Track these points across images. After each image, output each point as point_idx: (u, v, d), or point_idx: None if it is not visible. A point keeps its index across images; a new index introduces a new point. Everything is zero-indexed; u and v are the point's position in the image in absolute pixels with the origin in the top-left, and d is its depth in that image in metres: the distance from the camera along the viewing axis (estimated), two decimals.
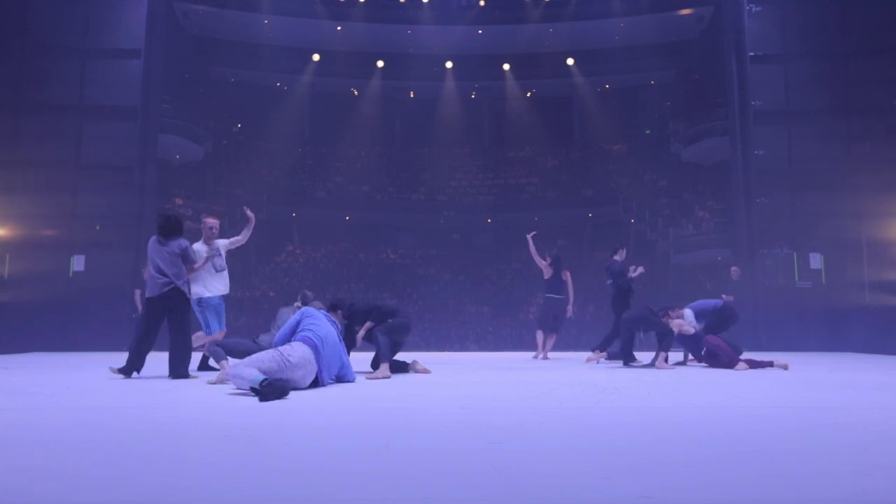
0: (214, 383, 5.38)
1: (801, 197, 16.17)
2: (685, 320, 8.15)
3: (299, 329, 5.24)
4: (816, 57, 16.06)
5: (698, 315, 8.38)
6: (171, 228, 6.24)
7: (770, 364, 7.52)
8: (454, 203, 24.87)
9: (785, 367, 7.38)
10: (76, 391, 4.86)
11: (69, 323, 14.18)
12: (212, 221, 7.38)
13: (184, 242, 6.28)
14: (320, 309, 5.72)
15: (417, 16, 22.81)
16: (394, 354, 6.75)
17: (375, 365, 6.59)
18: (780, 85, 16.56)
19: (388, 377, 6.35)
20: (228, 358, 5.87)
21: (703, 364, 8.04)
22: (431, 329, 19.55)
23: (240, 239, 7.65)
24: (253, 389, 4.31)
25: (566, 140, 26.67)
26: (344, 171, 25.37)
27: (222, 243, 7.47)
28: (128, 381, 5.77)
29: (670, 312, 8.10)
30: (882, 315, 13.32)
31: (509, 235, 22.70)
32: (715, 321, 8.36)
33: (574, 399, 4.32)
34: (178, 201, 20.12)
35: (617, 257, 9.37)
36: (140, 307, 11.24)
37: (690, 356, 8.58)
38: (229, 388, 4.89)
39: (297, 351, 4.90)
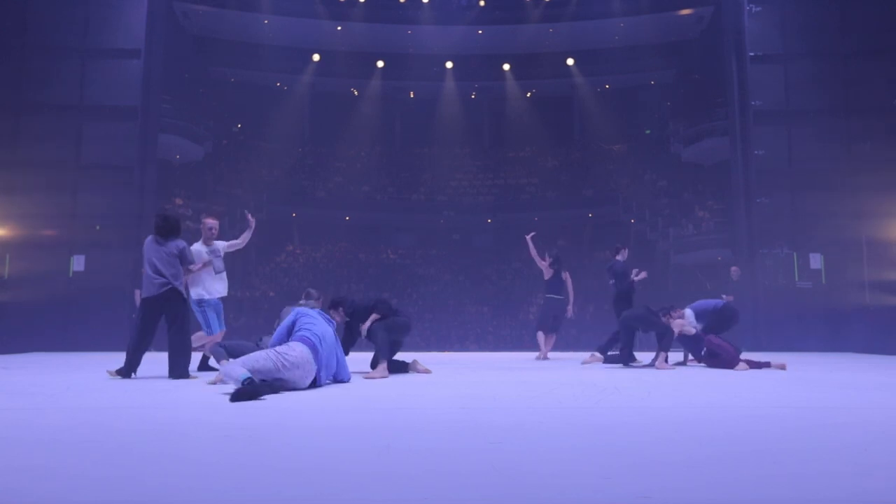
0: (214, 383, 5.37)
1: (801, 197, 16.17)
2: (686, 320, 8.15)
3: (296, 329, 5.21)
4: (816, 57, 16.07)
5: (698, 315, 8.38)
6: (169, 229, 6.23)
7: (767, 364, 7.53)
8: (454, 203, 24.87)
9: (782, 368, 7.38)
10: (76, 391, 4.86)
11: (69, 323, 14.18)
12: (211, 222, 7.37)
13: (181, 243, 6.27)
14: (315, 308, 5.68)
15: (417, 16, 22.81)
16: (393, 354, 6.76)
17: (375, 365, 6.59)
18: (780, 85, 16.56)
19: (386, 377, 6.35)
20: (230, 359, 5.86)
21: (703, 364, 8.04)
22: (431, 329, 19.55)
23: (238, 242, 7.64)
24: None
25: (566, 140, 26.67)
26: (344, 171, 25.37)
27: (221, 245, 7.45)
28: (128, 381, 5.76)
29: (672, 313, 8.09)
30: (882, 315, 13.32)
31: (509, 235, 22.71)
32: (715, 321, 8.36)
33: (574, 399, 4.32)
34: (178, 201, 20.12)
35: (619, 257, 9.36)
36: None
37: (690, 356, 8.57)
38: (229, 388, 4.88)
39: (296, 350, 4.87)
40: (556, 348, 10.70)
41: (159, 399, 4.36)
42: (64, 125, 15.69)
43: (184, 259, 6.24)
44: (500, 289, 22.68)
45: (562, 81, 25.33)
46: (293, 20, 22.38)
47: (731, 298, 10.67)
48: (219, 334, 7.27)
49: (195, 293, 7.12)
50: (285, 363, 4.75)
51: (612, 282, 9.25)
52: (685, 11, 21.57)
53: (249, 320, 19.24)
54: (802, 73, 16.24)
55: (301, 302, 6.80)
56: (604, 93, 25.50)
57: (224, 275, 7.37)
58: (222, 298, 7.37)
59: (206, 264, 6.86)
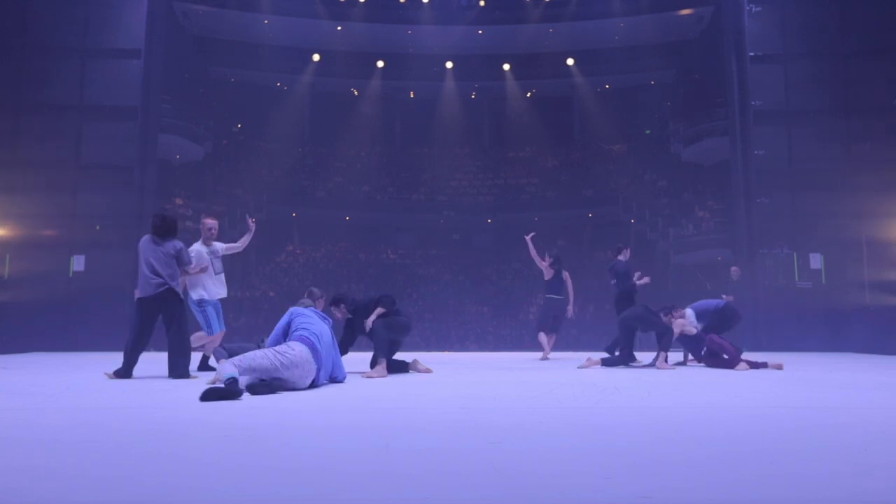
0: (214, 383, 5.36)
1: (801, 197, 16.17)
2: (686, 320, 8.15)
3: (293, 329, 5.16)
4: (816, 57, 16.07)
5: (699, 315, 8.38)
6: (166, 229, 6.22)
7: (765, 365, 7.53)
8: (454, 203, 24.86)
9: (779, 368, 7.39)
10: (76, 391, 4.86)
11: (69, 323, 14.18)
12: (211, 222, 7.36)
13: (178, 244, 6.26)
14: (310, 306, 5.64)
15: (417, 16, 22.81)
16: (392, 354, 6.76)
17: (374, 364, 6.59)
18: (780, 85, 16.57)
19: (385, 376, 6.35)
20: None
21: (703, 364, 8.04)
22: (431, 329, 19.55)
23: (237, 246, 7.61)
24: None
25: (566, 140, 26.67)
26: (344, 171, 25.37)
27: (220, 247, 7.44)
28: (127, 381, 5.76)
29: (673, 312, 8.09)
30: (882, 315, 13.32)
31: (509, 235, 22.71)
32: (716, 321, 8.35)
33: (574, 399, 4.32)
34: (178, 201, 20.13)
35: (621, 257, 9.35)
36: None
37: (690, 356, 8.57)
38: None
39: (294, 350, 4.85)
40: (556, 348, 10.69)
41: (159, 399, 4.35)
42: (64, 125, 15.69)
43: (180, 260, 6.23)
44: (500, 289, 22.68)
45: (562, 81, 25.33)
46: (293, 20, 22.38)
47: (731, 298, 10.67)
48: (219, 334, 7.27)
49: (195, 294, 7.11)
50: (284, 362, 4.72)
51: (613, 282, 9.23)
52: (685, 11, 21.57)
53: (249, 320, 19.24)
54: (802, 73, 16.25)
55: (302, 301, 6.79)
56: (604, 93, 25.50)
57: (223, 276, 7.36)
58: (221, 299, 7.36)
59: (202, 269, 6.81)
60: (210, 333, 7.20)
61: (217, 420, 3.34)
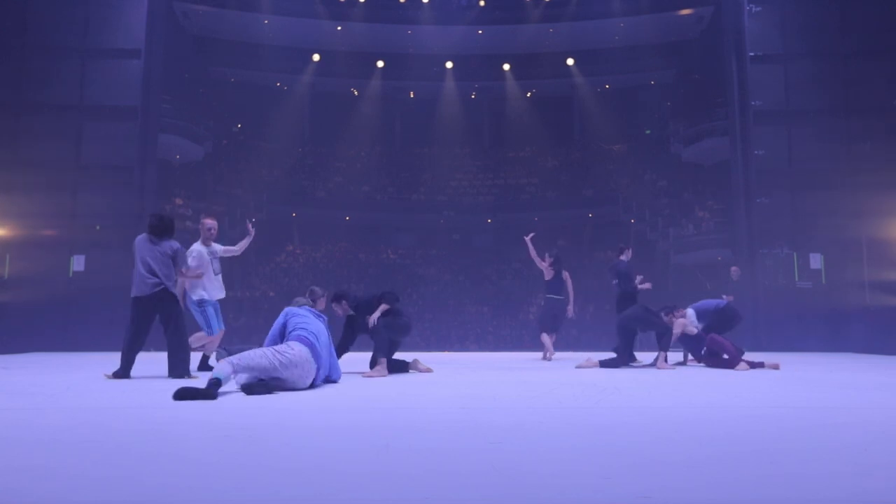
0: None
1: (801, 197, 16.18)
2: (687, 320, 8.15)
3: (289, 329, 5.12)
4: (816, 57, 16.08)
5: (700, 315, 8.38)
6: (164, 228, 6.21)
7: (761, 364, 7.54)
8: (454, 203, 24.86)
9: (776, 368, 7.40)
10: (76, 391, 4.86)
11: (69, 323, 14.19)
12: (210, 223, 7.34)
13: (175, 244, 6.25)
14: (304, 305, 5.61)
15: (417, 16, 22.81)
16: (392, 354, 6.75)
17: (374, 364, 6.59)
18: (780, 85, 16.57)
19: (385, 376, 6.35)
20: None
21: (704, 364, 8.04)
22: (431, 329, 19.55)
23: (235, 250, 7.56)
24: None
25: (566, 140, 26.67)
26: (344, 171, 25.37)
27: (218, 248, 7.41)
28: (128, 381, 5.76)
29: (674, 312, 8.09)
30: (882, 315, 13.33)
31: (509, 235, 22.71)
32: (717, 321, 8.35)
33: (574, 399, 4.32)
34: (178, 201, 20.13)
35: (623, 257, 9.33)
36: None
37: (690, 356, 8.57)
38: (228, 387, 4.88)
39: (294, 350, 4.83)
40: (556, 348, 10.67)
41: (159, 399, 4.35)
42: (64, 125, 15.70)
43: (177, 260, 6.22)
44: (500, 289, 22.68)
45: (562, 81, 25.33)
46: (293, 20, 22.38)
47: (731, 298, 10.67)
48: (218, 334, 7.26)
49: (196, 294, 7.08)
50: (283, 362, 4.70)
51: (615, 282, 9.21)
52: (685, 11, 21.58)
53: (249, 320, 19.24)
54: (802, 73, 16.26)
55: (296, 300, 6.78)
56: (604, 93, 25.51)
57: (220, 277, 7.34)
58: (220, 300, 7.35)
59: (198, 275, 6.77)
60: (210, 334, 7.19)
61: (217, 420, 3.34)
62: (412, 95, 26.63)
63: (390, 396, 4.57)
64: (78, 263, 15.09)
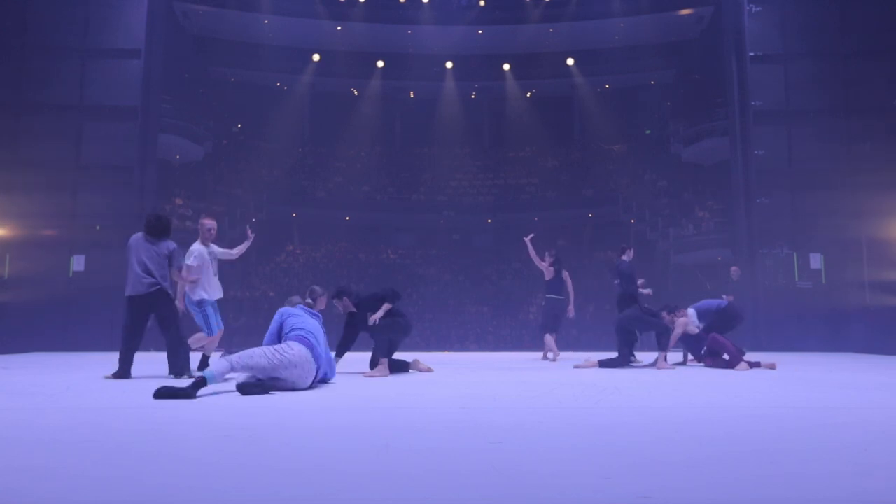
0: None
1: (801, 197, 16.18)
2: (688, 319, 8.15)
3: (287, 329, 5.09)
4: (816, 57, 16.08)
5: (701, 315, 8.38)
6: (161, 228, 6.20)
7: (758, 364, 7.55)
8: (454, 203, 24.86)
9: (772, 367, 7.42)
10: (76, 391, 4.86)
11: (69, 323, 14.19)
12: (210, 223, 7.29)
13: (172, 244, 6.24)
14: (298, 304, 5.59)
15: (417, 16, 22.81)
16: (391, 354, 6.75)
17: (374, 364, 6.59)
18: (780, 85, 16.58)
19: (386, 375, 6.36)
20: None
21: (703, 364, 8.04)
22: (431, 329, 19.54)
23: (232, 253, 7.48)
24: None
25: (566, 140, 26.68)
26: (344, 171, 25.37)
27: (217, 250, 7.39)
28: (127, 381, 5.76)
29: (676, 312, 8.09)
30: (882, 315, 13.33)
31: (509, 235, 22.71)
32: (718, 321, 8.34)
33: (574, 399, 4.32)
34: (178, 201, 20.13)
35: (625, 257, 9.33)
36: None
37: (690, 356, 8.57)
38: (229, 387, 4.88)
39: (293, 349, 4.82)
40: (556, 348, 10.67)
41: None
42: (64, 125, 15.71)
43: (172, 261, 6.21)
44: (500, 289, 22.68)
45: (562, 81, 25.33)
46: (293, 20, 22.38)
47: (731, 298, 10.67)
48: (218, 334, 7.24)
49: (196, 294, 7.03)
50: (283, 361, 4.70)
51: (616, 282, 9.18)
52: (685, 11, 21.58)
53: (249, 320, 19.23)
54: (802, 73, 16.26)
55: (307, 301, 6.77)
56: (604, 93, 25.51)
57: (217, 277, 7.32)
58: (217, 300, 7.32)
59: (193, 280, 6.75)
60: (210, 334, 7.15)
61: (217, 420, 3.34)
62: (412, 95, 26.64)
63: (390, 396, 4.57)
64: (78, 263, 15.09)
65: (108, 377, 5.98)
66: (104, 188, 15.63)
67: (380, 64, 24.78)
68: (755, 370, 7.29)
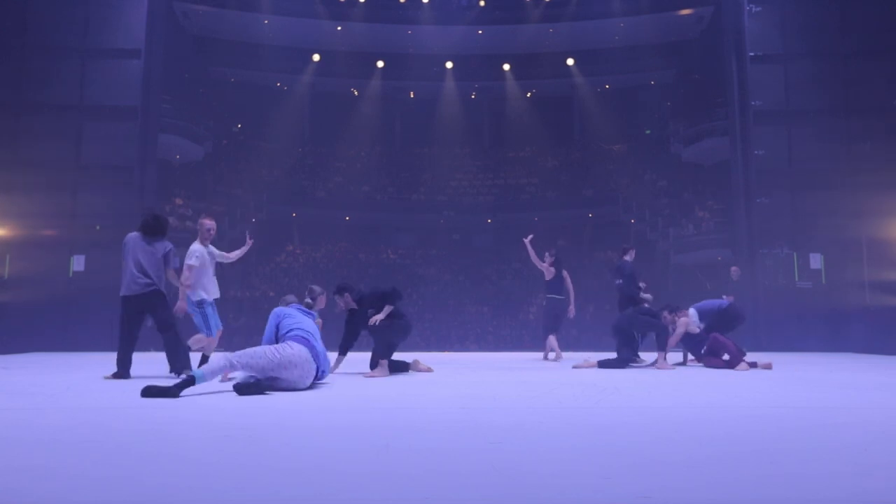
0: (224, 380, 5.32)
1: (801, 197, 16.18)
2: (689, 319, 8.16)
3: (283, 329, 5.08)
4: (816, 57, 16.08)
5: (702, 315, 8.38)
6: (159, 228, 6.19)
7: (754, 364, 7.56)
8: (454, 203, 24.86)
9: (768, 367, 7.43)
10: (76, 391, 4.86)
11: (69, 323, 14.17)
12: (209, 223, 7.28)
13: (169, 245, 6.23)
14: (292, 303, 5.58)
15: (417, 16, 22.81)
16: (391, 354, 6.75)
17: (374, 365, 6.59)
18: (780, 85, 16.58)
19: (387, 376, 6.36)
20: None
21: (703, 364, 8.04)
22: (431, 329, 19.54)
23: (229, 257, 7.44)
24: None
25: (566, 140, 26.67)
26: (344, 171, 25.37)
27: (215, 251, 7.38)
28: (127, 381, 5.76)
29: (677, 312, 8.09)
30: (882, 315, 13.33)
31: (509, 235, 22.70)
32: (719, 321, 8.34)
33: (574, 399, 4.32)
34: (178, 201, 20.12)
35: (627, 258, 9.33)
36: None
37: (690, 356, 8.57)
38: (218, 387, 4.89)
39: (293, 349, 4.82)
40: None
41: (159, 399, 4.35)
42: (64, 125, 15.70)
43: (167, 261, 6.21)
44: (500, 289, 22.68)
45: (562, 81, 25.33)
46: (293, 20, 22.38)
47: (731, 299, 10.67)
48: (217, 334, 7.22)
49: (196, 295, 7.01)
50: (283, 361, 4.70)
51: (619, 282, 9.17)
52: (685, 11, 21.58)
53: (249, 320, 19.22)
54: (802, 73, 16.26)
55: (306, 300, 6.76)
56: (604, 93, 25.51)
57: (215, 277, 7.31)
58: (215, 300, 7.32)
59: (188, 286, 6.73)
60: (209, 334, 7.13)
61: (217, 420, 3.34)
62: (412, 95, 26.63)
63: (390, 396, 4.57)
64: (78, 263, 15.08)
65: (107, 377, 5.98)
66: (104, 188, 15.62)
67: (380, 64, 24.78)
68: (753, 370, 7.30)
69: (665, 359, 7.77)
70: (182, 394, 4.44)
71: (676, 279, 20.94)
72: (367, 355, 7.02)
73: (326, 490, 1.93)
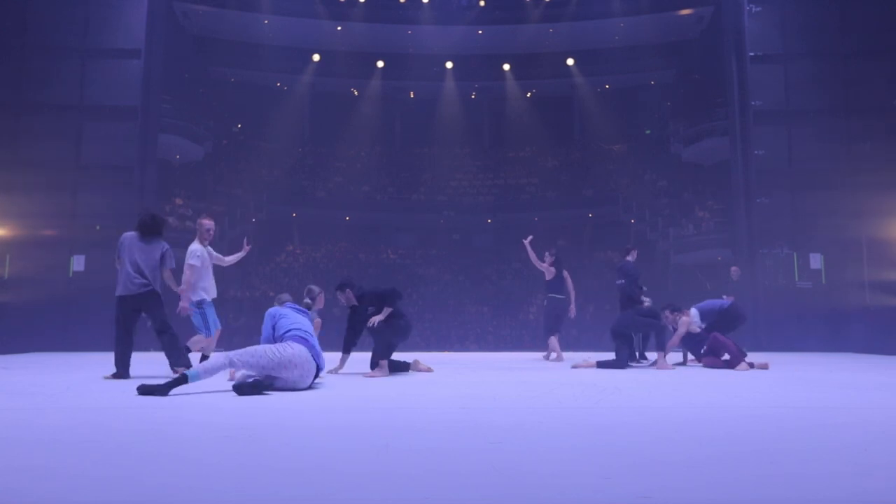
0: (231, 379, 5.31)
1: (801, 197, 16.19)
2: (691, 319, 8.16)
3: (280, 330, 5.07)
4: (816, 57, 16.08)
5: (703, 315, 8.38)
6: (156, 228, 6.18)
7: (751, 365, 7.56)
8: (454, 203, 24.86)
9: (765, 367, 7.44)
10: (76, 391, 4.86)
11: (69, 323, 14.17)
12: (209, 223, 7.27)
13: (165, 245, 6.23)
14: (286, 302, 5.55)
15: (417, 16, 22.82)
16: (390, 355, 6.75)
17: (374, 365, 6.59)
18: (780, 85, 16.58)
19: (387, 376, 6.36)
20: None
21: (703, 364, 8.04)
22: (431, 329, 19.54)
23: (225, 260, 7.42)
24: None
25: (566, 140, 26.67)
26: (344, 171, 25.37)
27: (212, 252, 7.37)
28: (127, 381, 5.76)
29: (678, 312, 8.09)
30: (882, 315, 13.33)
31: (509, 235, 22.70)
32: (720, 321, 8.34)
33: (574, 399, 4.32)
34: (178, 201, 20.12)
35: (629, 258, 9.33)
36: None
37: (691, 356, 8.57)
38: (229, 387, 4.88)
39: (294, 349, 4.83)
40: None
41: (159, 399, 4.35)
42: (64, 125, 15.70)
43: (164, 262, 6.20)
44: (500, 289, 22.68)
45: (562, 81, 25.33)
46: (293, 20, 22.38)
47: (731, 299, 10.67)
48: (216, 334, 7.21)
49: (196, 294, 7.00)
50: (283, 361, 4.70)
51: (621, 281, 9.16)
52: (685, 11, 21.58)
53: (249, 320, 19.22)
54: (802, 73, 16.26)
55: (306, 300, 6.75)
56: (604, 93, 25.51)
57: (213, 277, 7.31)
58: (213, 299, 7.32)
59: (183, 290, 6.73)
60: (208, 334, 7.12)
61: (217, 420, 3.34)
62: (412, 95, 26.63)
63: (390, 396, 4.57)
64: (78, 263, 15.08)
65: (107, 377, 5.98)
66: (104, 188, 15.63)
67: (380, 64, 24.78)
68: (752, 371, 7.30)
69: (665, 359, 7.77)
70: (181, 393, 4.44)
71: (676, 279, 20.94)
72: (367, 355, 7.02)
73: (326, 490, 1.93)
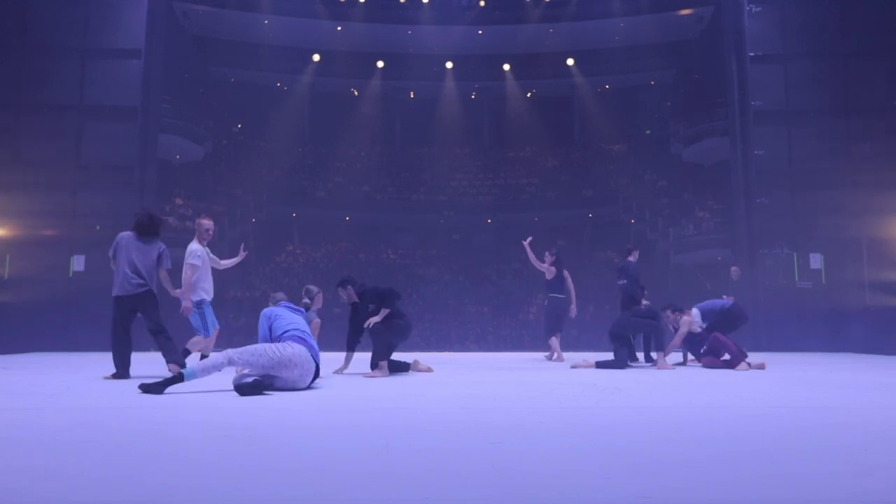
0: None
1: (801, 197, 16.19)
2: (692, 319, 8.16)
3: (277, 330, 5.06)
4: (816, 57, 16.08)
5: (705, 315, 8.38)
6: (153, 228, 6.18)
7: (749, 365, 7.58)
8: (454, 203, 24.86)
9: (761, 367, 7.45)
10: (76, 391, 4.86)
11: (69, 323, 14.17)
12: (208, 223, 7.27)
13: (162, 245, 6.23)
14: (280, 302, 5.53)
15: (417, 16, 22.82)
16: (389, 355, 6.75)
17: (374, 365, 6.59)
18: (780, 85, 16.58)
19: (387, 376, 6.37)
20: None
21: (703, 363, 8.03)
22: (431, 329, 19.54)
23: (221, 264, 7.40)
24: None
25: (566, 140, 26.67)
26: (344, 171, 25.37)
27: (210, 256, 7.36)
28: (127, 381, 5.76)
29: (679, 312, 8.09)
30: (882, 315, 13.33)
31: (509, 235, 22.70)
32: (722, 321, 8.34)
33: (574, 399, 4.32)
34: (178, 201, 20.12)
35: (631, 258, 9.33)
36: None
37: (690, 356, 8.57)
38: (229, 387, 4.88)
39: (294, 348, 4.83)
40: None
41: (159, 399, 4.35)
42: (64, 125, 15.70)
43: (161, 262, 6.20)
44: (500, 289, 22.68)
45: (562, 81, 25.33)
46: (293, 20, 22.38)
47: (731, 299, 10.67)
48: (214, 334, 7.20)
49: (196, 295, 7.00)
50: (282, 360, 4.70)
51: (623, 281, 9.16)
52: (685, 11, 21.58)
53: (249, 320, 19.22)
54: (802, 73, 16.26)
55: (305, 301, 6.75)
56: (604, 93, 25.51)
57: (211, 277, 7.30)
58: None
59: (180, 292, 6.72)
60: (206, 335, 7.10)
61: (217, 420, 3.34)
62: (412, 95, 26.63)
63: (390, 396, 4.57)
64: (78, 263, 15.08)
65: (107, 378, 5.98)
66: (104, 188, 15.63)
67: (380, 64, 24.78)
68: (752, 371, 7.30)
69: (665, 359, 7.77)
70: (181, 392, 4.44)
71: (676, 279, 20.94)
72: (368, 355, 7.03)
73: (326, 490, 1.93)
